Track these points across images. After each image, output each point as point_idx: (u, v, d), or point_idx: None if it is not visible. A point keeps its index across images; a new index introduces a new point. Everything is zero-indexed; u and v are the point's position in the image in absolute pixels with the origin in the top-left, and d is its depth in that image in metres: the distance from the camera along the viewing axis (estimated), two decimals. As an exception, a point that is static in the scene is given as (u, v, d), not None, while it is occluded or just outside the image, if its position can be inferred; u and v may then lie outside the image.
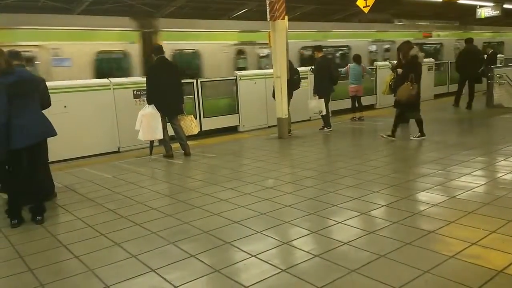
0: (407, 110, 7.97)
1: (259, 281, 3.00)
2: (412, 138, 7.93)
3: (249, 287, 2.93)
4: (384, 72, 12.05)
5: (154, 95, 7.46)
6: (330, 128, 9.47)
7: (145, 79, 7.76)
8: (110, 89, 8.66)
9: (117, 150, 8.70)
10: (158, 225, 4.27)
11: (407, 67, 7.84)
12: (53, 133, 4.79)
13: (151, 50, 7.78)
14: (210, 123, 10.09)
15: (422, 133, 7.93)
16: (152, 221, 4.42)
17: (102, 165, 7.43)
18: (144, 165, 7.31)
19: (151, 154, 7.79)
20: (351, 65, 10.84)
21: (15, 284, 3.22)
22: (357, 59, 10.88)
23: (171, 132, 7.85)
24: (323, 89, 9.38)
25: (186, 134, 7.87)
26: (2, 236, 4.25)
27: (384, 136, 8.05)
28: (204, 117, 10.00)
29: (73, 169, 7.18)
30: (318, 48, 9.64)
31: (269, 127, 10.52)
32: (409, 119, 9.71)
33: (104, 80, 8.89)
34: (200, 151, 8.09)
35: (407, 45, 8.01)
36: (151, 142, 7.80)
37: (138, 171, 6.82)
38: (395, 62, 9.47)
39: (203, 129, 9.72)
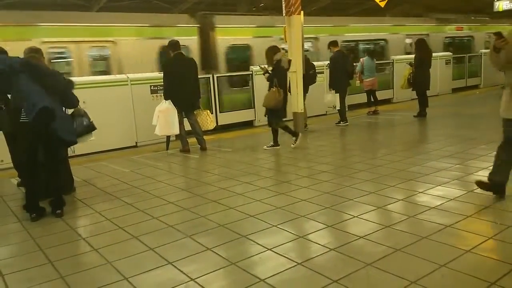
0: (271, 116, 7.52)
1: (274, 274, 3.02)
2: (265, 148, 7.57)
3: (265, 280, 2.96)
4: (402, 66, 11.93)
5: (170, 90, 7.52)
6: (347, 122, 9.43)
7: (162, 74, 7.81)
8: (127, 84, 8.75)
9: (135, 144, 8.79)
10: (175, 218, 4.32)
11: (272, 72, 7.48)
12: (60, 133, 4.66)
13: (167, 45, 7.80)
14: (226, 118, 10.11)
15: (276, 143, 7.57)
16: (169, 214, 4.47)
17: (120, 159, 7.52)
18: (161, 159, 7.38)
19: (167, 149, 7.86)
20: (365, 58, 10.76)
21: (36, 276, 3.28)
22: (371, 52, 10.83)
23: (187, 127, 7.89)
24: (338, 84, 9.34)
25: (203, 129, 7.92)
26: (23, 230, 4.34)
27: (293, 145, 7.52)
28: (220, 112, 10.04)
29: (92, 163, 7.28)
30: (334, 43, 9.58)
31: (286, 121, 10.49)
32: (426, 113, 9.67)
33: (122, 76, 8.99)
34: (216, 146, 8.13)
35: (271, 50, 7.57)
36: (168, 137, 7.87)
37: (155, 166, 6.89)
38: None
39: (219, 124, 9.77)
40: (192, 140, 7.90)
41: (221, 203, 4.72)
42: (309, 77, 9.19)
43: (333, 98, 9.38)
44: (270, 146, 7.56)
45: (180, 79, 7.50)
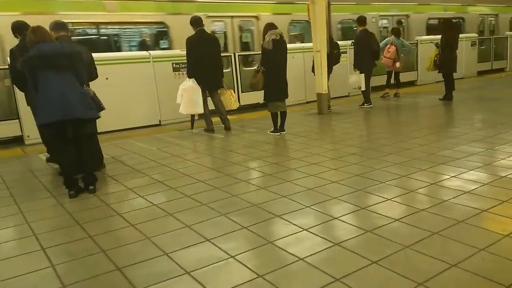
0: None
1: (313, 254, 3.05)
2: (268, 132, 7.36)
3: (304, 259, 2.98)
4: (426, 48, 11.74)
5: (194, 68, 7.47)
6: (371, 104, 9.35)
7: (184, 52, 7.73)
8: (150, 61, 8.73)
9: (158, 123, 8.83)
10: (208, 197, 4.36)
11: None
12: (79, 114, 4.49)
13: (190, 22, 7.68)
14: (248, 98, 10.07)
15: (275, 129, 7.31)
16: (201, 193, 4.51)
17: (145, 137, 7.59)
18: (186, 138, 7.42)
19: (192, 128, 7.89)
20: (391, 38, 10.56)
21: (77, 249, 3.36)
22: (397, 32, 10.64)
23: (211, 106, 7.87)
24: (363, 64, 9.22)
25: (226, 109, 7.90)
26: (58, 204, 4.43)
27: (269, 131, 7.37)
28: (242, 92, 9.99)
29: (118, 140, 7.36)
30: (360, 20, 9.42)
31: (307, 102, 10.46)
32: (452, 96, 9.53)
33: (144, 53, 8.98)
34: (239, 126, 8.14)
35: (264, 29, 7.22)
36: (192, 116, 7.89)
37: (181, 145, 6.93)
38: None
39: (241, 104, 9.73)
40: (215, 120, 7.91)
41: (252, 183, 4.75)
42: (333, 57, 9.08)
43: (357, 78, 9.28)
44: (271, 131, 7.33)
45: (203, 57, 7.43)
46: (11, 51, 5.51)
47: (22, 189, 5.11)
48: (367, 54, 9.17)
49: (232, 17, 11.69)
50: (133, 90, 8.51)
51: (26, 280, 2.95)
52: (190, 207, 4.12)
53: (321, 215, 3.76)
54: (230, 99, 8.05)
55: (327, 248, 3.15)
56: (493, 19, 18.14)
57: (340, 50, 9.52)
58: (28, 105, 5.79)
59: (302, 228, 3.49)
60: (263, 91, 7.21)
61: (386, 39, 10.81)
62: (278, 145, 6.64)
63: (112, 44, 10.66)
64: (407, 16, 14.92)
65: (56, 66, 4.43)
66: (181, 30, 9.67)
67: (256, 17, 11.86)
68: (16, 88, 5.90)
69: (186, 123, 8.17)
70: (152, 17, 10.62)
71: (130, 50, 10.73)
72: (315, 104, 9.19)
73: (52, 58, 4.40)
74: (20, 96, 6.75)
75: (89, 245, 3.41)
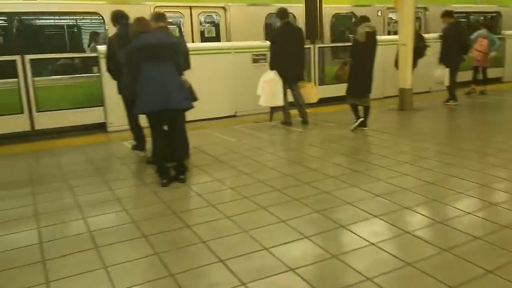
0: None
1: (421, 260, 2.90)
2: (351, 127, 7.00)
3: (413, 264, 2.85)
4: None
5: (277, 60, 7.42)
6: (457, 101, 8.86)
7: (264, 43, 7.66)
8: (230, 52, 8.76)
9: (234, 114, 8.85)
10: (298, 192, 4.30)
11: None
12: (178, 105, 4.61)
13: (276, 14, 7.65)
14: (325, 91, 9.84)
15: (357, 117, 6.99)
16: (291, 187, 4.45)
17: (223, 128, 7.61)
18: (264, 130, 7.38)
19: (271, 120, 7.84)
20: (484, 32, 9.94)
21: (178, 238, 3.42)
22: (490, 26, 10.01)
23: (290, 98, 7.77)
24: (450, 58, 8.74)
25: (305, 102, 7.78)
26: (151, 192, 4.51)
27: (352, 126, 7.02)
28: (319, 85, 9.80)
29: (197, 130, 7.41)
30: (447, 13, 8.94)
31: (385, 97, 10.10)
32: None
33: (226, 44, 9.01)
34: (317, 119, 7.99)
35: (358, 21, 6.94)
36: (272, 108, 7.83)
37: (260, 137, 6.90)
38: None
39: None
40: (292, 112, 7.79)
41: (341, 179, 4.62)
42: (418, 50, 8.68)
43: (442, 73, 8.82)
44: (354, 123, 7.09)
45: (287, 49, 7.36)
46: (109, 39, 5.69)
47: (113, 175, 5.28)
48: (454, 48, 8.67)
49: (191, 7, 10.26)
50: (213, 81, 8.54)
51: (132, 267, 3.03)
52: (282, 201, 4.08)
53: (423, 218, 3.60)
54: (310, 92, 7.91)
55: (436, 254, 2.99)
56: None
57: (426, 43, 9.08)
58: (119, 94, 5.91)
59: (404, 231, 3.35)
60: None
61: (477, 31, 10.19)
62: (361, 140, 6.45)
63: (30, 41, 8.97)
64: (425, 9, 13.17)
65: (158, 56, 4.53)
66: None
67: (223, 8, 10.60)
68: (110, 76, 6.05)
69: (261, 115, 8.12)
70: (82, 6, 9.05)
71: (52, 51, 9.14)
72: (394, 100, 8.87)
73: (155, 48, 4.52)
74: (106, 83, 6.94)
75: (189, 235, 3.45)
